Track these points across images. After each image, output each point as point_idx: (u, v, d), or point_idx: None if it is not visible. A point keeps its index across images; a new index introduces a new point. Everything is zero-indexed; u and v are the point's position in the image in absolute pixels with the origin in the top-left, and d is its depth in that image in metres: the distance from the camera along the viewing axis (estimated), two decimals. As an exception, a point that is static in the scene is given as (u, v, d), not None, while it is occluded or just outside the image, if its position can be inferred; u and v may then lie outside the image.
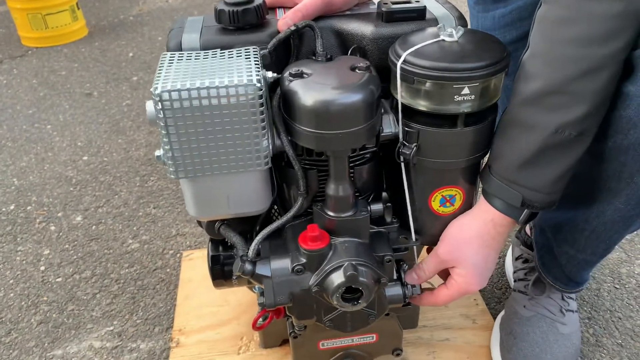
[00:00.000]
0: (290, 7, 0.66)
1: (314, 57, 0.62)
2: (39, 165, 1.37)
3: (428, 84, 0.54)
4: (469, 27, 0.66)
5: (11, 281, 1.01)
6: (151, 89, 0.52)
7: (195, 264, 0.98)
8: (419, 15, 0.63)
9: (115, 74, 1.90)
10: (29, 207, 1.21)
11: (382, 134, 0.59)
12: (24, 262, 1.06)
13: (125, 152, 1.41)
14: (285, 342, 0.81)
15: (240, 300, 0.89)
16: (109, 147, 1.44)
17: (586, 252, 0.70)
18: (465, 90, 0.53)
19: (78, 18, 2.28)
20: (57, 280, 1.01)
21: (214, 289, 0.88)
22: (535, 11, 0.55)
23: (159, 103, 0.52)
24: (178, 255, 1.06)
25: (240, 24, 0.62)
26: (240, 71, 0.54)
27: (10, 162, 1.39)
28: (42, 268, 1.04)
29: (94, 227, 1.14)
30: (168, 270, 1.02)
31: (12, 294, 0.98)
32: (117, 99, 1.71)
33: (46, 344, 0.88)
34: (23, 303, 0.96)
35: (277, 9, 0.68)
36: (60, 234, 1.13)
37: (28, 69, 1.98)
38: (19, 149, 1.45)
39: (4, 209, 1.21)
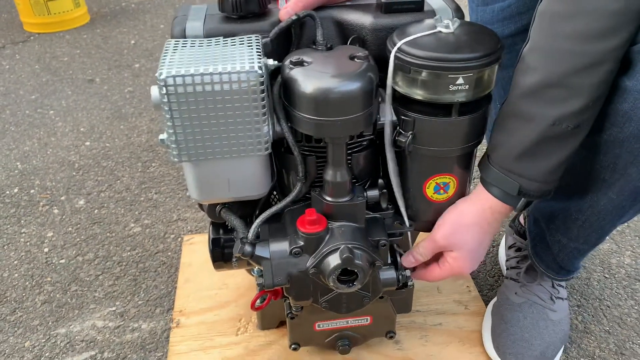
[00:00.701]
0: (292, -3, 0.68)
1: (314, 46, 0.63)
2: (42, 150, 1.38)
3: (424, 74, 0.56)
4: (466, 19, 0.68)
5: (15, 262, 1.04)
6: (156, 74, 0.54)
7: (196, 248, 1.00)
8: (417, 6, 0.64)
9: (117, 61, 1.91)
10: (32, 191, 1.23)
11: (380, 123, 0.61)
12: (28, 243, 1.08)
13: (127, 138, 1.43)
14: (282, 323, 0.83)
15: (239, 283, 0.91)
16: (111, 133, 1.45)
17: (579, 241, 0.72)
18: (460, 80, 0.55)
19: (80, 4, 2.28)
20: (61, 261, 1.03)
21: (214, 273, 0.91)
22: (537, 5, 0.57)
23: (164, 88, 0.54)
24: (179, 239, 1.08)
25: (242, 12, 0.63)
26: (242, 58, 0.56)
27: (13, 146, 1.41)
28: (46, 250, 1.06)
29: (96, 210, 1.16)
30: (169, 253, 1.04)
31: (16, 275, 1.01)
32: (119, 85, 1.73)
33: (50, 323, 0.91)
34: (27, 283, 0.99)
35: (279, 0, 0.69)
36: (64, 217, 1.15)
37: (30, 55, 2.00)
38: (22, 134, 1.46)
39: (7, 192, 1.23)
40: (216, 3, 0.66)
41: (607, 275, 1.00)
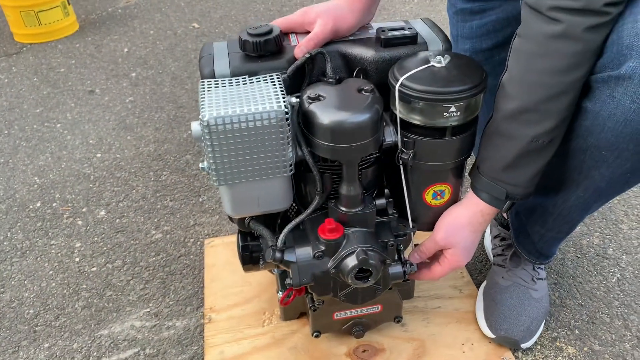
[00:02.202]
0: (301, 33, 0.79)
1: (324, 79, 0.74)
2: (56, 164, 1.47)
3: (421, 104, 0.67)
4: (448, 35, 0.79)
5: (50, 272, 1.13)
6: (200, 116, 0.64)
7: (217, 250, 1.11)
8: (412, 40, 0.75)
9: (114, 70, 1.98)
10: (54, 204, 1.32)
11: (385, 143, 0.72)
12: (59, 254, 1.17)
13: (135, 148, 1.52)
14: (302, 314, 0.95)
15: (260, 280, 1.02)
16: (119, 144, 1.54)
17: (554, 230, 0.86)
18: (452, 109, 0.67)
19: (69, 13, 2.33)
20: (92, 269, 1.13)
21: (236, 272, 1.02)
22: (512, 41, 0.69)
23: (207, 128, 0.64)
24: (198, 243, 1.18)
25: (262, 52, 0.74)
26: (270, 98, 0.66)
27: (28, 161, 1.49)
28: (77, 259, 1.16)
29: (117, 220, 1.26)
30: (191, 257, 1.15)
31: (53, 284, 1.10)
32: (119, 95, 1.80)
33: (92, 326, 1.01)
34: (65, 291, 1.09)
35: (290, 35, 0.79)
36: (88, 227, 1.24)
37: (26, 67, 2.05)
38: (34, 149, 1.54)
39: (31, 206, 1.32)
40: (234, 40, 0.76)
41: (579, 255, 1.14)
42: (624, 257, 1.13)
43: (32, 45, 2.24)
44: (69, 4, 2.33)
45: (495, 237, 1.04)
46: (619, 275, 1.09)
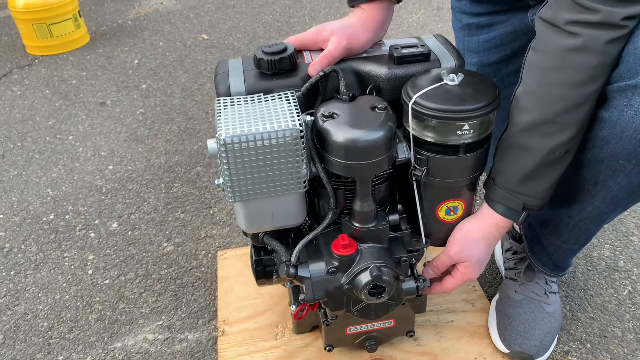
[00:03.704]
0: (314, 50, 0.79)
1: (338, 96, 0.75)
2: (69, 176, 1.48)
3: (435, 122, 0.68)
4: (456, 46, 0.80)
5: (64, 285, 1.14)
6: (216, 135, 0.65)
7: (230, 262, 1.12)
8: (424, 58, 0.76)
9: (124, 82, 2.01)
10: (67, 216, 1.33)
11: (398, 160, 0.73)
12: (72, 267, 1.19)
13: (147, 160, 1.53)
14: (315, 327, 0.95)
15: (272, 293, 1.03)
16: (130, 156, 1.56)
17: (570, 242, 0.86)
18: (466, 127, 0.67)
19: (80, 26, 2.36)
20: (105, 282, 1.14)
21: (249, 284, 1.03)
22: (525, 54, 0.69)
23: (224, 146, 0.65)
24: (210, 255, 1.19)
25: (276, 70, 0.75)
26: (285, 116, 0.67)
27: (41, 173, 1.50)
28: (90, 272, 1.17)
29: (129, 232, 1.27)
30: (203, 269, 1.16)
31: (67, 296, 1.12)
32: (130, 107, 1.82)
33: (106, 338, 1.02)
34: (78, 304, 1.10)
35: (304, 52, 0.80)
36: (100, 240, 1.25)
37: (39, 79, 2.08)
38: (47, 161, 1.56)
39: (44, 219, 1.33)
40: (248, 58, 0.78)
41: (589, 268, 1.14)
42: (635, 269, 1.13)
43: (44, 57, 2.27)
44: (80, 16, 2.36)
45: (507, 250, 1.04)
46: (630, 288, 1.09)
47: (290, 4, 2.64)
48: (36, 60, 2.25)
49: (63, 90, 1.97)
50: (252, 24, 2.47)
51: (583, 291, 1.08)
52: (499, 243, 1.11)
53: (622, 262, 1.15)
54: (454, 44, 0.83)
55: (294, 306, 0.88)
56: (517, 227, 1.04)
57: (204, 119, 1.73)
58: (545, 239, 0.89)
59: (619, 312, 1.04)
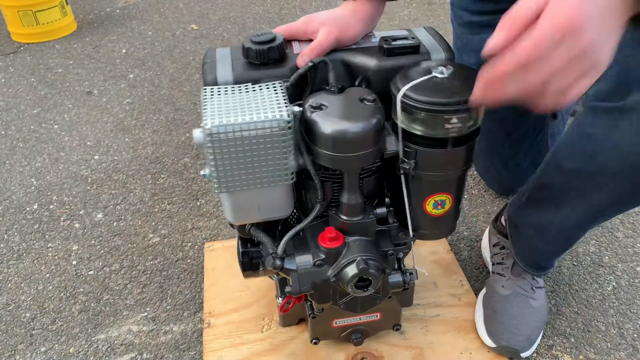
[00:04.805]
0: (304, 41, 0.78)
1: (327, 87, 0.74)
2: (53, 166, 1.46)
3: (423, 114, 0.67)
4: (451, 45, 0.79)
5: (47, 275, 1.13)
6: (202, 124, 0.64)
7: (217, 254, 1.11)
8: (415, 50, 0.75)
9: (112, 72, 1.98)
10: (51, 206, 1.31)
11: (386, 152, 0.72)
12: (56, 257, 1.17)
13: (133, 150, 1.51)
14: (301, 320, 0.95)
15: (259, 285, 1.02)
16: (117, 146, 1.54)
17: (552, 245, 0.87)
18: (454, 120, 0.67)
19: (67, 13, 2.32)
20: (90, 273, 1.13)
21: (235, 276, 1.02)
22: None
23: (210, 136, 0.64)
24: (196, 247, 1.18)
25: (265, 59, 0.74)
26: (272, 107, 0.66)
27: (25, 162, 1.48)
28: (74, 262, 1.15)
29: (115, 223, 1.26)
30: (189, 261, 1.15)
31: (50, 287, 1.10)
32: (117, 97, 1.80)
33: (89, 330, 1.01)
34: (62, 294, 1.08)
35: (293, 42, 0.79)
36: (85, 230, 1.24)
37: (24, 67, 2.04)
38: (31, 150, 1.53)
39: (28, 209, 1.31)
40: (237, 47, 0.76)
41: (575, 263, 1.15)
42: (619, 265, 1.14)
43: (29, 45, 2.23)
44: (67, 3, 2.32)
45: (494, 245, 1.04)
46: (614, 284, 1.10)
47: (281, -5, 2.62)
48: (21, 48, 2.21)
49: (49, 79, 1.94)
50: (242, 15, 2.44)
51: (568, 286, 1.09)
52: (486, 238, 1.12)
53: (607, 257, 1.15)
54: (448, 38, 0.82)
55: (280, 299, 0.88)
56: (503, 222, 1.04)
57: (192, 110, 1.72)
58: (529, 240, 0.90)
59: (603, 307, 1.05)
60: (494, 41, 0.50)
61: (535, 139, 1.14)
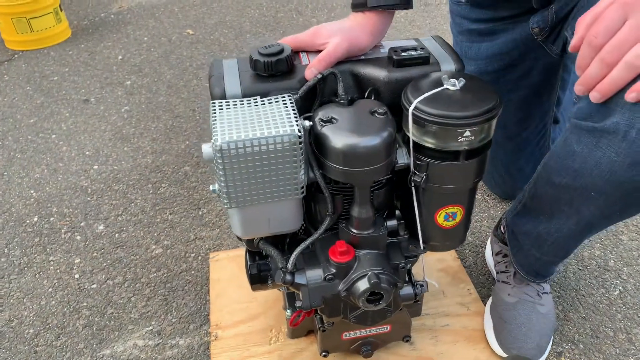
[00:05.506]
0: (312, 52, 0.78)
1: (336, 99, 0.73)
2: (52, 176, 1.44)
3: (435, 128, 0.67)
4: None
5: (50, 290, 1.11)
6: (212, 140, 0.63)
7: (222, 265, 1.10)
8: (424, 61, 0.75)
9: (108, 78, 1.96)
10: (51, 218, 1.30)
11: (397, 165, 0.72)
12: (58, 271, 1.15)
13: (133, 160, 1.50)
14: (310, 332, 0.94)
15: (266, 296, 1.01)
16: (116, 155, 1.52)
17: (549, 255, 0.87)
18: (467, 133, 0.66)
19: (61, 20, 2.30)
20: (93, 286, 1.11)
21: (242, 287, 1.01)
22: None
23: (220, 152, 0.63)
24: (200, 257, 1.17)
25: (273, 71, 0.73)
26: (282, 121, 0.65)
27: (24, 173, 1.46)
28: (77, 276, 1.14)
29: (116, 234, 1.24)
30: (193, 272, 1.14)
31: (53, 302, 1.08)
32: (115, 105, 1.78)
33: (94, 345, 0.99)
34: (65, 309, 1.07)
35: (301, 53, 0.78)
36: (87, 242, 1.22)
37: (19, 75, 2.02)
38: (29, 160, 1.52)
39: (28, 221, 1.29)
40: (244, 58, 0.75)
41: (580, 268, 1.14)
42: (625, 268, 1.14)
43: (24, 52, 2.21)
44: (61, 10, 2.30)
45: (497, 253, 1.04)
46: (620, 288, 1.10)
47: (277, -1, 2.61)
48: (16, 56, 2.19)
49: (45, 87, 1.92)
50: (238, 19, 2.43)
51: (575, 291, 1.09)
52: (489, 246, 1.11)
53: (612, 261, 1.15)
54: (447, 40, 0.82)
55: (288, 311, 0.87)
56: (503, 230, 1.04)
57: (191, 117, 1.70)
58: (527, 250, 0.90)
59: (610, 312, 1.04)
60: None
61: (537, 144, 1.13)
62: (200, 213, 1.30)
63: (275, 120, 0.66)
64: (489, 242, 1.13)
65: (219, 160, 0.64)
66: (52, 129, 1.66)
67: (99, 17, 2.53)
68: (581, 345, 0.98)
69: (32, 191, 1.39)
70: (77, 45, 2.24)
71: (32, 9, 2.18)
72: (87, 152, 1.54)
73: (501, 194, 1.32)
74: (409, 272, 0.80)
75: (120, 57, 2.12)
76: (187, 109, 1.75)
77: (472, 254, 1.18)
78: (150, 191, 1.37)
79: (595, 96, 0.60)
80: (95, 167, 1.48)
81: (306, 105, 0.75)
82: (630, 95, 0.57)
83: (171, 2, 2.65)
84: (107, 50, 2.19)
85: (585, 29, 0.57)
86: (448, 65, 0.75)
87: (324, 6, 2.53)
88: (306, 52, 0.78)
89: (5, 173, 1.47)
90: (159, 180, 1.41)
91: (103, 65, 2.06)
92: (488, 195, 1.34)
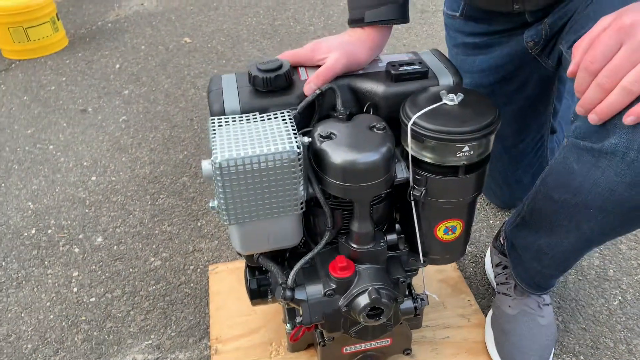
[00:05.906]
0: (310, 67, 0.78)
1: (335, 114, 0.73)
2: (50, 188, 1.44)
3: (434, 143, 0.67)
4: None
5: (48, 304, 1.11)
6: (212, 157, 0.63)
7: (222, 277, 1.09)
8: (422, 75, 0.75)
9: (105, 88, 1.96)
10: (49, 231, 1.29)
11: (396, 180, 0.72)
12: (56, 284, 1.15)
13: (131, 170, 1.49)
14: (310, 345, 0.94)
15: (266, 310, 1.01)
16: (114, 166, 1.52)
17: (550, 269, 0.87)
18: (465, 148, 0.66)
19: (59, 29, 2.30)
20: (91, 300, 1.11)
21: (241, 300, 1.01)
22: None
23: (219, 169, 0.63)
24: (199, 270, 1.17)
25: (272, 87, 0.73)
26: (282, 138, 0.65)
27: (21, 185, 1.46)
28: (75, 289, 1.13)
29: (115, 247, 1.24)
30: (192, 285, 1.13)
31: (51, 316, 1.08)
32: (112, 115, 1.78)
33: (93, 360, 0.99)
34: (64, 323, 1.06)
35: (300, 68, 0.78)
36: (85, 255, 1.22)
37: (16, 84, 2.02)
38: (26, 172, 1.51)
39: (25, 234, 1.29)
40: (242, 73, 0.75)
41: (580, 278, 1.14)
42: (624, 278, 1.14)
43: (21, 61, 2.21)
44: (58, 19, 2.30)
45: (497, 265, 1.04)
46: (620, 298, 1.10)
47: (274, 6, 2.61)
48: (13, 65, 2.18)
49: (42, 97, 1.91)
50: (235, 27, 2.43)
51: (574, 302, 1.09)
52: (488, 257, 1.11)
53: (611, 271, 1.15)
54: (442, 48, 0.82)
55: (288, 325, 0.87)
56: (503, 241, 1.04)
57: (189, 127, 1.70)
58: (527, 263, 0.90)
59: (610, 322, 1.04)
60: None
61: (535, 155, 1.14)
62: (198, 224, 1.30)
63: (274, 137, 0.66)
64: (488, 252, 1.13)
65: (218, 178, 0.64)
66: (49, 140, 1.66)
67: (96, 25, 2.53)
68: (582, 357, 0.98)
69: (29, 203, 1.39)
70: (74, 55, 2.24)
71: (29, 18, 2.17)
72: (85, 163, 1.54)
73: (500, 204, 1.32)
74: (409, 285, 0.80)
75: (117, 66, 2.12)
76: (185, 118, 1.75)
77: (472, 265, 1.18)
78: (149, 202, 1.37)
79: (593, 118, 0.61)
80: (93, 178, 1.47)
81: (305, 120, 0.75)
82: (628, 119, 0.57)
83: (168, 10, 2.65)
84: (104, 59, 2.19)
85: (581, 55, 0.59)
86: (446, 79, 0.75)
87: (321, 14, 2.53)
88: (305, 67, 0.78)
89: (3, 185, 1.46)
90: (157, 191, 1.41)
91: (100, 75, 2.06)
92: (487, 205, 1.34)
